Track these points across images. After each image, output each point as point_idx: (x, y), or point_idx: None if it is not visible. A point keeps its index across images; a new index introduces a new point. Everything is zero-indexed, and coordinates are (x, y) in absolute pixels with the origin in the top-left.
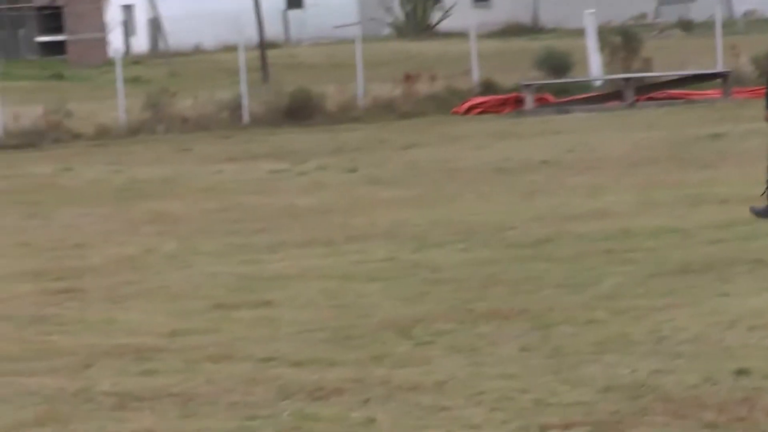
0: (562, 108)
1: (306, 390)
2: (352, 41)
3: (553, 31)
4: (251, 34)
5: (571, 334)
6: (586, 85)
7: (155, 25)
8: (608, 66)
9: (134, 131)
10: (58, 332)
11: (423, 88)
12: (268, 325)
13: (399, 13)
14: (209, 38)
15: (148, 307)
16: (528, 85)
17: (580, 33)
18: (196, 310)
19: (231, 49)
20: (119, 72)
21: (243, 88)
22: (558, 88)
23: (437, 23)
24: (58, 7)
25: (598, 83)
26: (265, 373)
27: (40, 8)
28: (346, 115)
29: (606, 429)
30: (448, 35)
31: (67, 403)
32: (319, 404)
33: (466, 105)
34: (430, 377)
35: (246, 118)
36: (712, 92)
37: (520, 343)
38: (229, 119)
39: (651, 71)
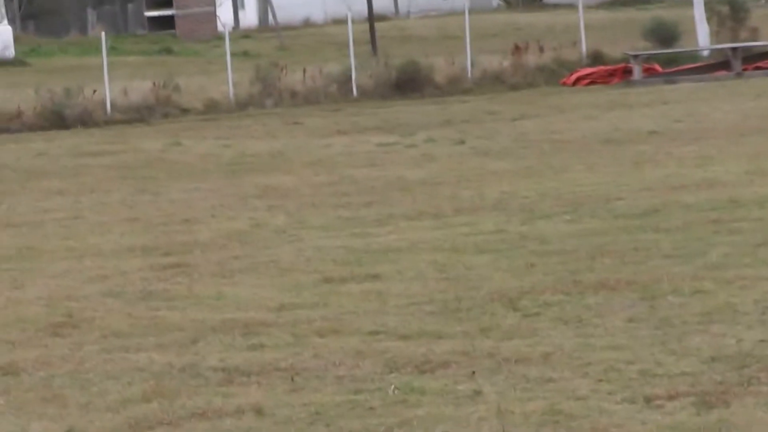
0: (669, 78)
1: (413, 363)
2: (461, 13)
3: (661, 2)
4: (360, 8)
5: (678, 305)
6: (693, 55)
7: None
8: (715, 36)
9: (243, 105)
10: (167, 308)
11: (531, 59)
12: (376, 298)
13: None
14: (318, 12)
15: (257, 281)
16: (636, 56)
17: (687, 3)
18: (304, 284)
19: (340, 22)
20: (228, 46)
21: (352, 61)
22: (666, 59)
23: None
24: None
25: (705, 53)
26: (373, 347)
27: None
28: (455, 87)
29: (711, 399)
30: (557, 6)
31: (174, 378)
32: (426, 377)
33: (574, 76)
34: (537, 349)
35: (355, 91)
36: None
37: (628, 314)
38: (338, 93)
39: (758, 41)
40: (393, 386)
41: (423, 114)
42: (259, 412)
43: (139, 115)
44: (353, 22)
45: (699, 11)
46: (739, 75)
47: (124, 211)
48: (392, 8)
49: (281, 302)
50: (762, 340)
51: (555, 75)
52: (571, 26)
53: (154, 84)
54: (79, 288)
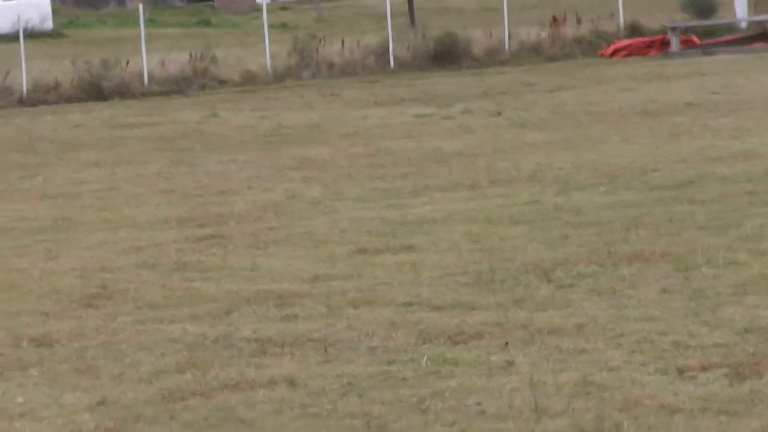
0: (707, 50)
1: (446, 334)
2: None
3: None
4: None
5: (712, 276)
6: (731, 27)
7: None
8: (754, 8)
9: (280, 77)
10: (201, 279)
11: (569, 31)
12: (410, 269)
13: None
14: None
15: (291, 252)
16: (673, 28)
17: None
18: (338, 256)
19: None
20: (266, 18)
21: (389, 33)
22: (703, 30)
23: None
24: None
25: (743, 25)
26: (406, 318)
27: None
28: (493, 58)
29: (743, 371)
30: None
31: (207, 349)
32: (459, 348)
33: (612, 48)
34: (570, 320)
35: (392, 63)
36: None
37: (661, 285)
38: (375, 64)
39: None
40: (426, 357)
41: (460, 86)
42: (292, 382)
43: (176, 86)
44: None
45: None
46: None
47: (160, 183)
48: None
49: (315, 273)
50: None
51: (592, 46)
52: None
53: (191, 56)
54: (114, 259)
